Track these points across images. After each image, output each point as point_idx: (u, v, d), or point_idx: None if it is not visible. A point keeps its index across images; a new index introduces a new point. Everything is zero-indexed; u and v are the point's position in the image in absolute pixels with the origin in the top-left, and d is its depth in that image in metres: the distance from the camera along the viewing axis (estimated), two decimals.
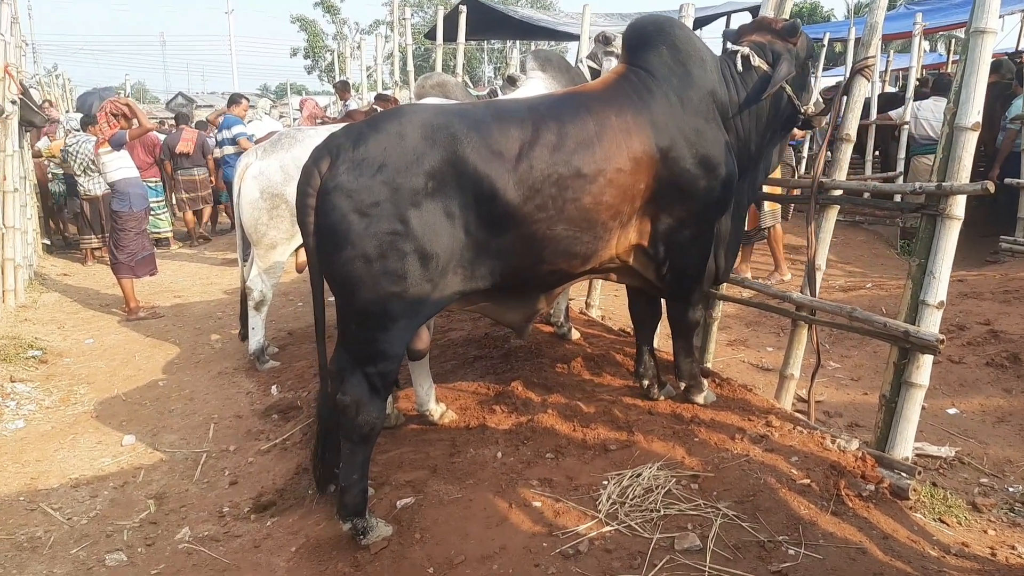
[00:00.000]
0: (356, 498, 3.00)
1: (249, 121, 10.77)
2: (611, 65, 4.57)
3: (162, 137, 11.79)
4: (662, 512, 2.97)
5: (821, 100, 4.06)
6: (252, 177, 5.44)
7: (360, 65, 17.18)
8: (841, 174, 3.95)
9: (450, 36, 9.58)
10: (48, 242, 11.34)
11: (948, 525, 3.20)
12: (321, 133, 5.30)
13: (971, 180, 3.19)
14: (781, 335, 5.79)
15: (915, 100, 9.54)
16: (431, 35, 11.24)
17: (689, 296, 3.80)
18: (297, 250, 5.76)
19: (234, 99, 10.65)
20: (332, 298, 2.99)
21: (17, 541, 3.53)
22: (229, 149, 10.10)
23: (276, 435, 4.47)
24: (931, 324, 3.25)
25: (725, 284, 4.42)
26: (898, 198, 3.86)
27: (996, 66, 8.87)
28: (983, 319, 5.58)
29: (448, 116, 3.00)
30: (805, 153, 10.73)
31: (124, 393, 5.43)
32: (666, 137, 3.35)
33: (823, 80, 13.35)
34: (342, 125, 4.31)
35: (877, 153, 10.61)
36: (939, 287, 3.23)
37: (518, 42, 18.32)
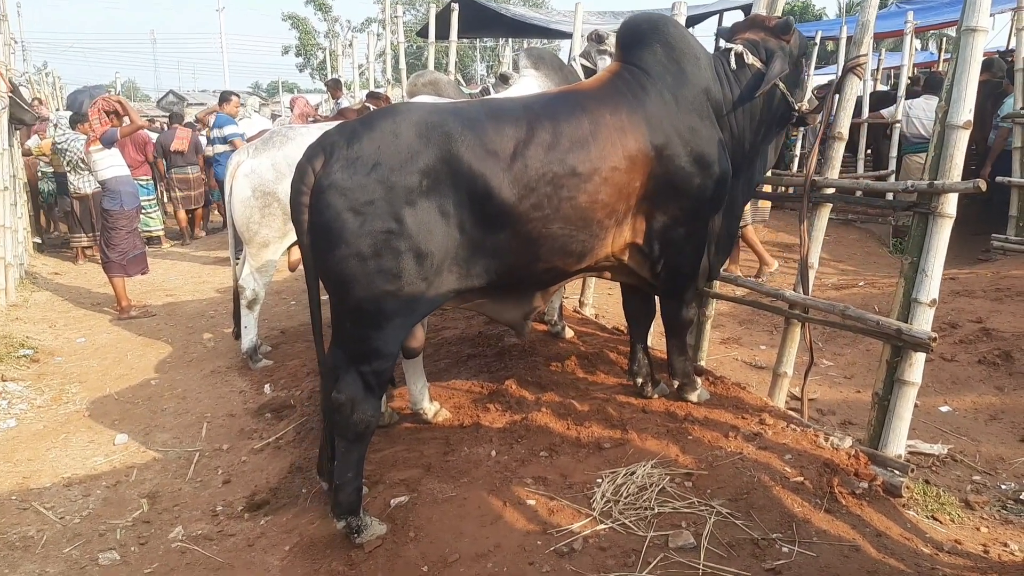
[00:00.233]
0: (351, 496, 3.00)
1: (240, 119, 10.73)
2: (605, 63, 4.57)
3: (153, 136, 11.75)
4: (656, 510, 2.98)
5: (814, 98, 4.07)
6: (244, 175, 5.41)
7: (352, 63, 17.11)
8: (833, 172, 3.96)
9: (442, 34, 9.57)
10: (39, 241, 11.28)
11: (941, 522, 3.21)
12: (313, 131, 5.29)
13: (963, 178, 3.20)
14: (774, 333, 5.81)
15: (907, 98, 9.56)
16: (423, 33, 11.25)
17: (683, 294, 3.80)
18: (289, 248, 5.75)
19: (224, 97, 10.60)
20: (326, 296, 2.99)
21: (9, 540, 3.51)
22: (220, 148, 10.06)
23: (269, 434, 4.46)
24: (923, 322, 3.26)
25: (718, 283, 4.44)
26: (890, 196, 3.86)
27: (987, 64, 8.90)
28: (975, 317, 5.60)
29: (443, 114, 3.00)
30: (797, 152, 10.76)
31: (116, 392, 5.41)
32: (661, 135, 3.36)
33: (815, 79, 13.38)
34: (334, 123, 4.30)
35: (869, 151, 10.64)
36: (931, 285, 3.24)
37: (510, 40, 18.32)
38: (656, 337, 4.49)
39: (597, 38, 4.85)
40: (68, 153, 9.03)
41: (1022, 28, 7.56)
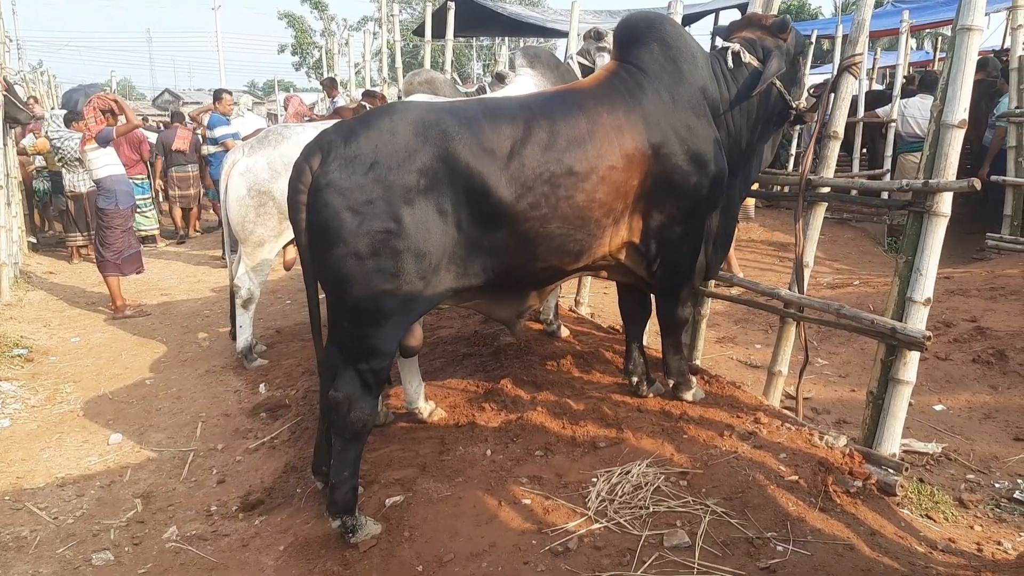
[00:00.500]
0: (346, 495, 2.99)
1: (234, 118, 10.69)
2: (604, 61, 4.57)
3: (148, 134, 11.72)
4: (651, 509, 2.98)
5: (810, 96, 4.07)
6: (239, 174, 5.40)
7: (348, 62, 17.10)
8: (829, 171, 3.97)
9: (439, 33, 9.56)
10: (34, 240, 11.25)
11: (935, 521, 3.22)
12: (308, 130, 5.28)
13: (958, 177, 3.20)
14: (769, 332, 5.82)
15: (902, 98, 9.58)
16: (419, 32, 11.23)
17: (679, 293, 3.80)
18: (285, 247, 5.73)
19: (217, 95, 10.55)
20: (323, 295, 2.98)
21: (2, 541, 3.50)
22: (212, 148, 10.05)
23: (264, 433, 4.45)
24: (918, 321, 3.26)
25: (713, 282, 4.44)
26: (885, 195, 3.87)
27: (982, 64, 8.93)
28: (969, 316, 5.61)
29: (440, 113, 2.99)
30: (792, 151, 10.77)
31: (111, 392, 5.40)
32: (658, 134, 3.35)
33: (811, 78, 13.40)
34: (330, 122, 4.29)
35: (864, 150, 10.66)
36: (926, 284, 3.25)
37: (507, 39, 18.30)
38: (652, 336, 4.49)
39: (596, 36, 4.84)
40: (61, 151, 9.00)
41: (1017, 27, 7.56)
